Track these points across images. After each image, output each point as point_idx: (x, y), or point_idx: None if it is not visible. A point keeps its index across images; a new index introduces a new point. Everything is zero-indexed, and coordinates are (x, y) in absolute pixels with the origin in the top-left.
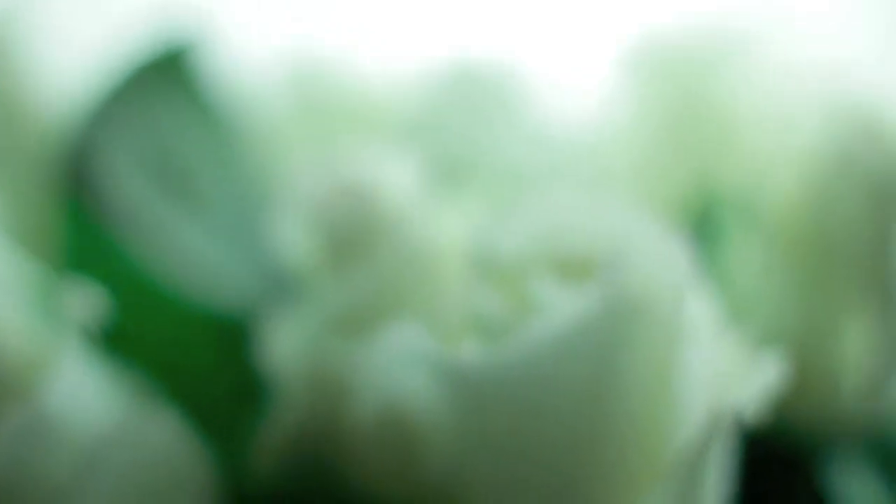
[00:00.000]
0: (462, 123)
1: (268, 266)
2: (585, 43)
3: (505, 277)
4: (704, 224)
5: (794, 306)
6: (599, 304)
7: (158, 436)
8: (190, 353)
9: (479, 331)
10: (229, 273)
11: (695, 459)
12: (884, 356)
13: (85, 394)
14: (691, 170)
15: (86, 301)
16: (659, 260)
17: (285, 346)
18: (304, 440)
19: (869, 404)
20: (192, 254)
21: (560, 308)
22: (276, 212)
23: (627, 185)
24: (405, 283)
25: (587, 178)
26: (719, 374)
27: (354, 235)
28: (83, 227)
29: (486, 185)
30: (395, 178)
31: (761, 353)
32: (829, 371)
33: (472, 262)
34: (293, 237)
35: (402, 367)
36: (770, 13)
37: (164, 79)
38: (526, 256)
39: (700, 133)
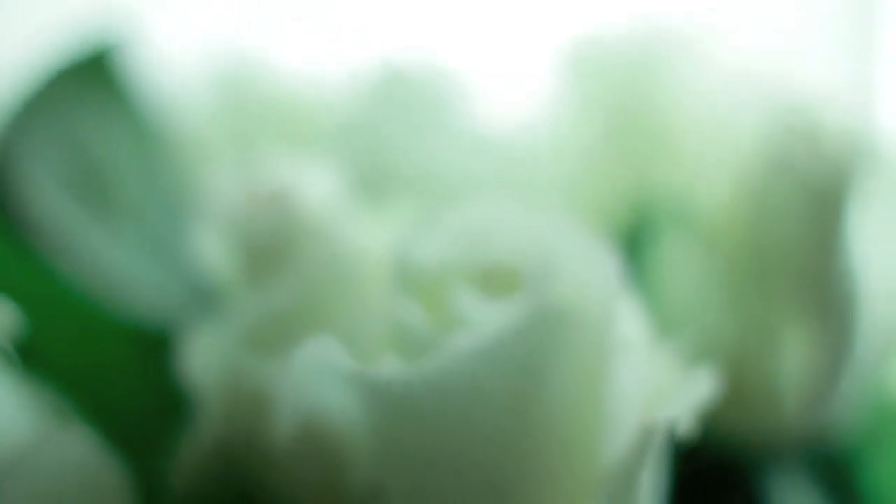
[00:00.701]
0: (392, 126)
1: (190, 277)
2: (522, 45)
3: (427, 289)
4: (640, 231)
5: (732, 316)
6: (524, 316)
7: (73, 452)
8: (108, 367)
9: (402, 345)
10: (150, 284)
11: (626, 475)
12: (825, 368)
13: None
14: (628, 175)
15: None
16: (587, 270)
17: (203, 359)
18: (223, 455)
19: (810, 417)
20: (111, 264)
21: (484, 321)
22: (195, 220)
23: (563, 191)
24: (324, 296)
25: (522, 184)
26: (651, 387)
27: (271, 245)
28: None
29: (414, 192)
30: (315, 185)
31: (695, 365)
32: (769, 383)
33: (393, 273)
34: (211, 247)
35: (320, 382)
36: (709, 17)
37: (86, 81)
38: (448, 267)
39: (638, 137)
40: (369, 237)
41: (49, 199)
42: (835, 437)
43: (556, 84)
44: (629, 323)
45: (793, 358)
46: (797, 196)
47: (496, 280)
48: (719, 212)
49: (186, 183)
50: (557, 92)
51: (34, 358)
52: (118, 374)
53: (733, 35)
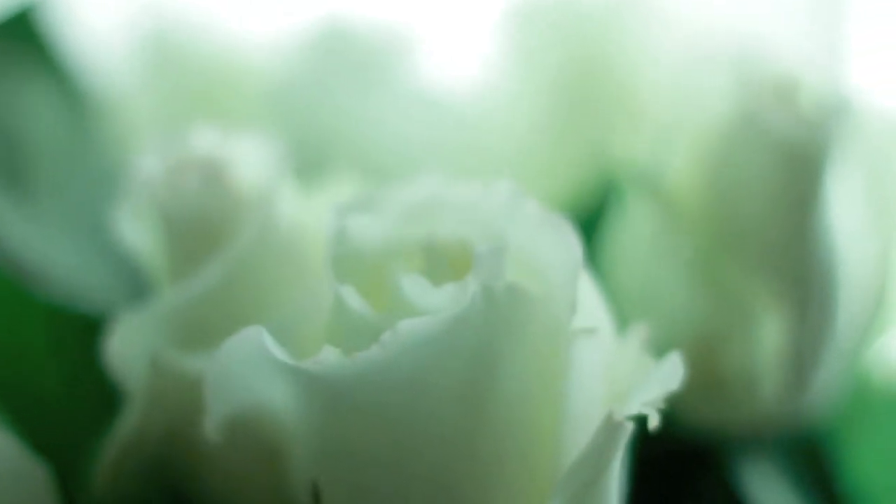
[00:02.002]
0: (331, 87)
1: (119, 257)
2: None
3: (367, 272)
4: (600, 203)
5: (703, 295)
6: (475, 300)
7: None
8: (26, 352)
9: (341, 333)
10: (73, 265)
11: (589, 472)
12: (803, 349)
13: None
14: (584, 140)
15: None
16: (543, 248)
17: (126, 348)
18: (148, 451)
19: (787, 402)
20: (29, 243)
21: (431, 305)
22: (119, 195)
23: (514, 156)
24: (257, 278)
25: (470, 148)
26: (615, 377)
27: (199, 222)
28: None
29: (355, 157)
30: (248, 155)
31: (663, 351)
32: (743, 366)
33: (329, 254)
34: (135, 225)
35: (253, 374)
36: None
37: (6, 43)
38: (390, 248)
39: (592, 98)
40: (308, 213)
41: None
42: (811, 421)
43: (503, 42)
44: (590, 306)
45: (769, 339)
46: (771, 160)
47: (443, 261)
48: (686, 180)
49: (113, 154)
50: (505, 50)
51: None
52: (37, 361)
53: None
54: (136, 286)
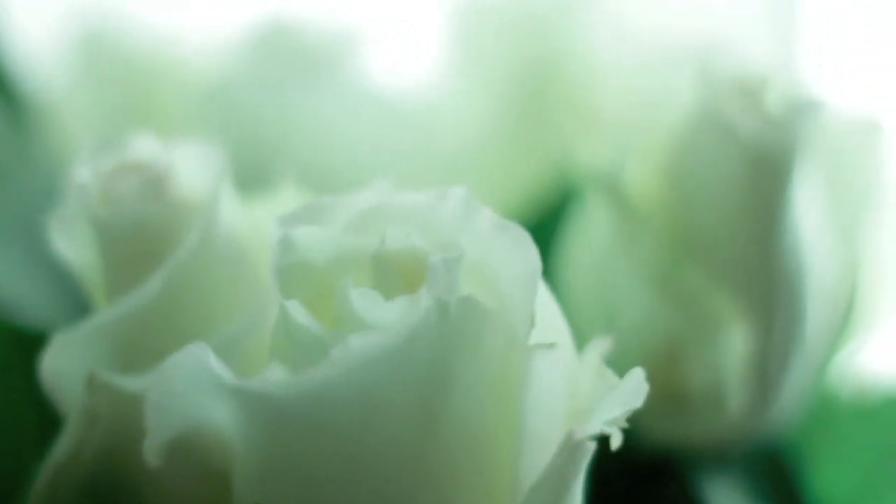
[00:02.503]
0: (275, 86)
1: (57, 273)
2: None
3: (314, 285)
4: (556, 209)
5: (666, 305)
6: (428, 314)
7: None
8: None
9: (288, 349)
10: (11, 282)
11: (550, 490)
12: (771, 362)
13: None
14: (541, 144)
15: None
16: (498, 259)
17: (61, 366)
18: (85, 473)
19: (754, 416)
20: None
21: (381, 320)
22: (54, 205)
23: (466, 159)
24: (199, 292)
25: (419, 150)
26: (575, 394)
27: (138, 234)
28: None
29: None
30: (190, 162)
31: (623, 362)
32: (709, 379)
33: (274, 267)
34: (71, 237)
35: (196, 394)
36: None
37: None
38: (337, 260)
39: (547, 101)
40: (252, 222)
41: None
42: (776, 434)
43: (452, 41)
44: (549, 319)
45: (734, 350)
46: (735, 163)
47: (393, 273)
48: (646, 183)
49: (51, 161)
50: (454, 49)
51: None
52: None
53: None
54: (76, 301)
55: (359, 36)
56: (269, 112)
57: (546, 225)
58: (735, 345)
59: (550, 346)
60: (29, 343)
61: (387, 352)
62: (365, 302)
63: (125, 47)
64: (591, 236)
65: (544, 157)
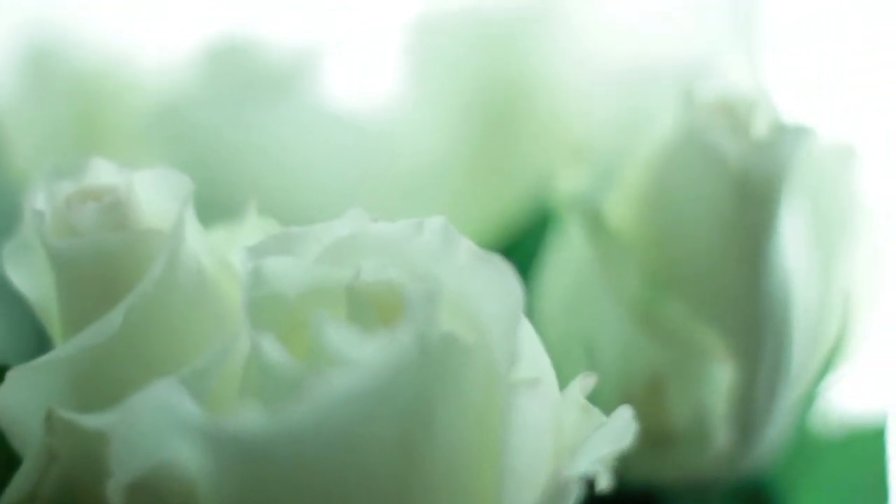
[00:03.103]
0: (229, 105)
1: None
2: (374, 18)
3: (286, 317)
4: (529, 236)
5: (648, 336)
6: (406, 350)
7: None
8: None
9: (260, 386)
10: None
11: None
12: (756, 395)
13: None
14: (507, 165)
15: None
16: (479, 292)
17: (19, 406)
18: None
19: (734, 455)
20: None
21: (358, 356)
22: (9, 235)
23: (427, 179)
24: (165, 325)
25: (378, 173)
26: (560, 432)
27: (97, 264)
28: None
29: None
30: (150, 188)
31: (603, 396)
32: (688, 415)
33: (246, 298)
34: (27, 267)
35: (163, 434)
36: None
37: None
38: (311, 292)
39: (515, 123)
40: (218, 251)
41: None
42: (759, 469)
43: (409, 56)
44: (531, 354)
45: (718, 385)
46: (720, 188)
47: (368, 306)
48: (625, 210)
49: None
50: (412, 64)
51: None
52: None
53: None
54: (33, 334)
55: (316, 54)
56: (223, 132)
57: (515, 251)
58: (719, 379)
59: (534, 382)
60: None
61: (366, 389)
62: (341, 336)
63: (73, 64)
64: (567, 264)
65: (512, 181)
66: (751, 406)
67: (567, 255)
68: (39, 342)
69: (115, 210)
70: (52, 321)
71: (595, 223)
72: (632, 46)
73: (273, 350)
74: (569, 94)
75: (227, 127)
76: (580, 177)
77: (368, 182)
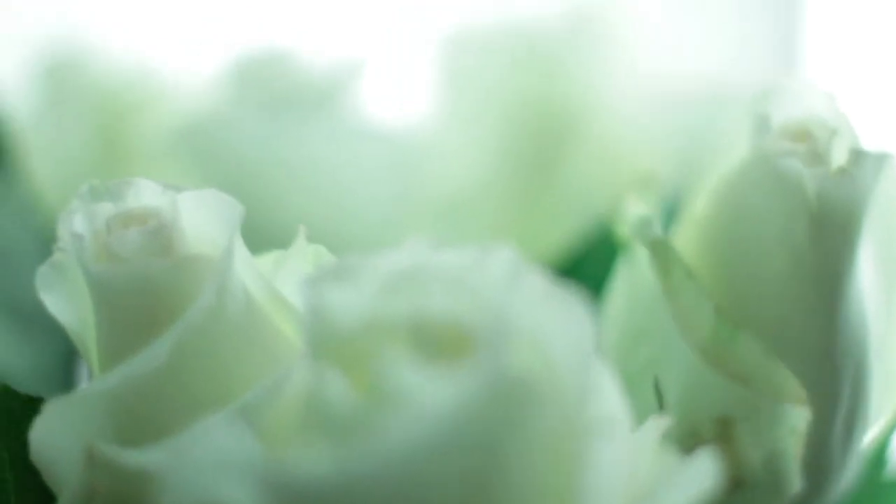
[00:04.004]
0: (257, 122)
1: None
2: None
3: (349, 354)
4: (580, 263)
5: (718, 378)
6: (478, 389)
7: None
8: None
9: (322, 426)
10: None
11: None
12: (826, 449)
13: None
14: (554, 189)
15: None
16: (549, 328)
17: (57, 441)
18: None
19: (807, 502)
20: None
21: (426, 395)
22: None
23: (466, 201)
24: (214, 356)
25: (413, 193)
26: (635, 476)
27: (142, 292)
28: None
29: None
30: (197, 211)
31: (673, 439)
32: (759, 459)
33: (308, 332)
34: (64, 294)
35: (214, 474)
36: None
37: None
38: (372, 326)
39: (558, 144)
40: (268, 279)
41: None
42: None
43: (446, 72)
44: (606, 394)
45: (793, 430)
46: (797, 219)
47: (432, 341)
48: (688, 239)
49: (34, 212)
50: (449, 80)
51: None
52: None
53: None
54: (57, 361)
55: (351, 70)
56: (252, 150)
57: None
58: (793, 422)
59: (609, 422)
60: (8, 403)
61: (434, 431)
62: (408, 374)
63: (94, 76)
64: (631, 297)
65: (558, 205)
66: (826, 451)
67: (631, 287)
68: (63, 368)
69: (160, 235)
70: (90, 349)
71: (665, 255)
72: (679, 63)
73: (337, 386)
74: (618, 115)
75: (256, 145)
76: (646, 204)
77: (403, 202)
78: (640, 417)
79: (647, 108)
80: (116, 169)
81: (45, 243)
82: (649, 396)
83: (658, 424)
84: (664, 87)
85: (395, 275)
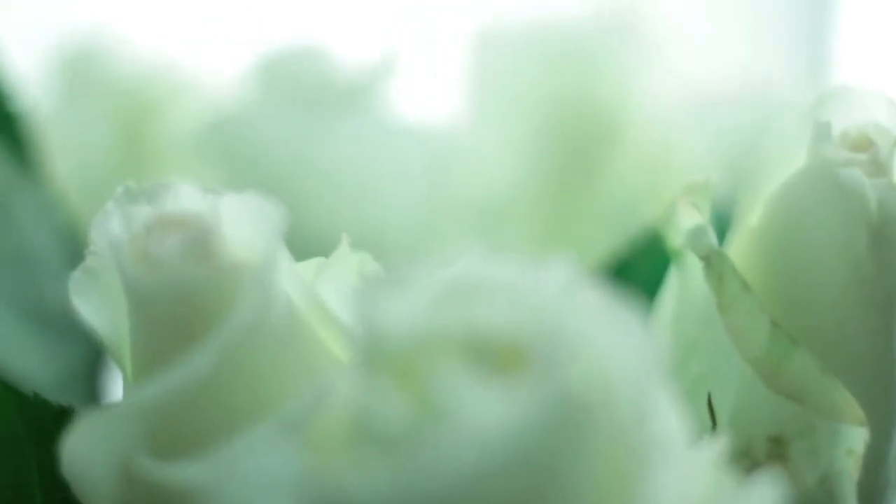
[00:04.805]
0: (286, 119)
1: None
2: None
3: (401, 367)
4: (622, 271)
5: (772, 395)
6: (535, 407)
7: None
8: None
9: (371, 441)
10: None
11: None
12: (886, 472)
13: None
14: (592, 194)
15: None
16: (607, 345)
17: (91, 455)
18: None
19: None
20: None
21: (479, 410)
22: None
23: (499, 202)
24: (256, 367)
25: (445, 193)
26: (692, 497)
27: (181, 300)
28: None
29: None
30: (238, 216)
31: (741, 464)
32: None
33: (354, 344)
34: (97, 302)
35: (259, 490)
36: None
37: None
38: (424, 339)
39: (595, 147)
40: (311, 287)
41: None
42: None
43: (477, 69)
44: (664, 413)
45: (849, 451)
46: (858, 232)
47: (487, 356)
48: (742, 250)
49: (62, 213)
50: (480, 77)
51: None
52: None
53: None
54: (89, 370)
55: (381, 68)
56: (279, 149)
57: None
58: (850, 442)
59: (666, 442)
60: (38, 412)
61: (490, 449)
62: (458, 388)
63: (119, 72)
64: (682, 309)
65: (596, 210)
66: (883, 473)
67: (682, 299)
68: (87, 373)
69: (201, 241)
70: (123, 357)
71: (721, 266)
72: (713, 65)
73: (389, 401)
74: (656, 117)
75: (286, 143)
76: (699, 212)
77: (434, 204)
78: (690, 435)
79: (684, 110)
80: (139, 166)
81: (67, 243)
82: (699, 413)
83: (715, 444)
84: (700, 88)
85: (449, 287)
